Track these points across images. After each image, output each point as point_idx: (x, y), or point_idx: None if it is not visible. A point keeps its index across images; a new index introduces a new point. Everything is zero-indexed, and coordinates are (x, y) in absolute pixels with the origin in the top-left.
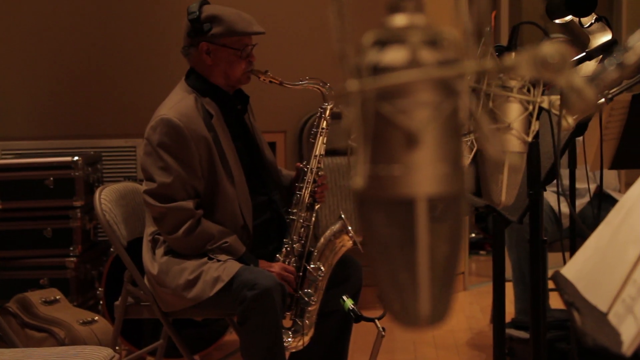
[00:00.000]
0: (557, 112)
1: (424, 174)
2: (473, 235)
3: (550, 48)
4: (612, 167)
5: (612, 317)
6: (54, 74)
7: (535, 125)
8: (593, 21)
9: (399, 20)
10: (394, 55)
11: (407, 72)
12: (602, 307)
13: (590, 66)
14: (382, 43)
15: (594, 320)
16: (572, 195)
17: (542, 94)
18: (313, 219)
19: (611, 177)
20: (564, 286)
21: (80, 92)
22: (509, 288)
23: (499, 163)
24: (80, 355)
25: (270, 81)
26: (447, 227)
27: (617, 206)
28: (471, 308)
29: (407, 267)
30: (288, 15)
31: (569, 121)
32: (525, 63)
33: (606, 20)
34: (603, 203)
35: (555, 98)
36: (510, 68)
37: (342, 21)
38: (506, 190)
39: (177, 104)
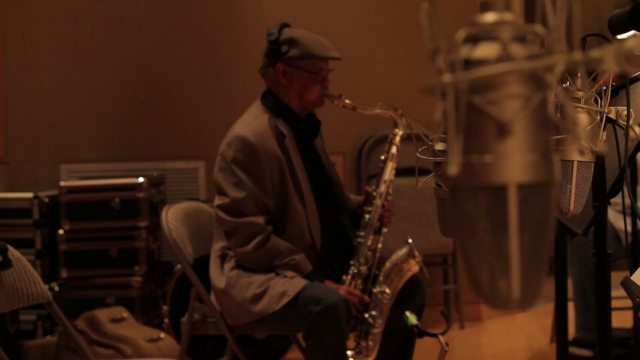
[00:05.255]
0: (624, 123)
1: (515, 163)
2: None
3: (636, 42)
4: None
5: None
6: (118, 98)
7: (602, 135)
8: None
9: (490, 17)
10: (486, 50)
11: (498, 65)
12: None
13: None
14: (474, 39)
15: None
16: (633, 211)
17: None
18: (380, 243)
19: None
20: (635, 290)
21: (144, 116)
22: (570, 306)
23: (567, 173)
24: None
25: (344, 106)
26: (536, 214)
27: None
28: (530, 327)
29: (498, 252)
30: (365, 42)
31: (637, 131)
32: (610, 56)
33: None
34: None
35: (622, 109)
36: (596, 61)
37: (435, 19)
38: (574, 199)
39: (252, 122)
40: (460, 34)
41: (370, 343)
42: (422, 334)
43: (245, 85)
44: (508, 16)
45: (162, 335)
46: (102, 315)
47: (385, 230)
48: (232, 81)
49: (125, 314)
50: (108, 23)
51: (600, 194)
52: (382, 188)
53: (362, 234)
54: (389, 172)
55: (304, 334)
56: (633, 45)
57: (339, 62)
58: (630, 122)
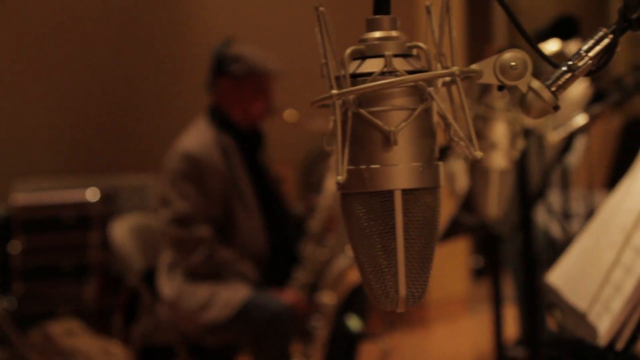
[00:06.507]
0: (542, 131)
1: (400, 170)
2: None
3: (512, 55)
4: (608, 188)
5: (591, 317)
6: (71, 111)
7: (520, 143)
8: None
9: (376, 35)
10: (371, 65)
11: (383, 80)
12: (583, 307)
13: (575, 89)
14: (362, 56)
15: (575, 319)
16: (565, 216)
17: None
18: (324, 252)
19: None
20: (547, 290)
21: (96, 129)
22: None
23: (487, 178)
24: None
25: (288, 119)
26: (421, 217)
27: (598, 215)
28: (475, 330)
29: (386, 253)
30: (312, 53)
31: (554, 137)
32: (488, 69)
33: None
34: None
35: None
36: (474, 73)
37: (326, 39)
38: (496, 203)
39: (197, 136)
40: (349, 51)
41: (314, 350)
42: (364, 337)
43: (194, 99)
44: (393, 33)
45: (115, 346)
46: (56, 328)
47: (329, 239)
48: (182, 95)
49: (78, 326)
50: (60, 36)
51: (524, 198)
52: (326, 198)
53: (306, 243)
54: (331, 182)
55: (250, 342)
56: (509, 58)
57: (283, 75)
58: (548, 129)
